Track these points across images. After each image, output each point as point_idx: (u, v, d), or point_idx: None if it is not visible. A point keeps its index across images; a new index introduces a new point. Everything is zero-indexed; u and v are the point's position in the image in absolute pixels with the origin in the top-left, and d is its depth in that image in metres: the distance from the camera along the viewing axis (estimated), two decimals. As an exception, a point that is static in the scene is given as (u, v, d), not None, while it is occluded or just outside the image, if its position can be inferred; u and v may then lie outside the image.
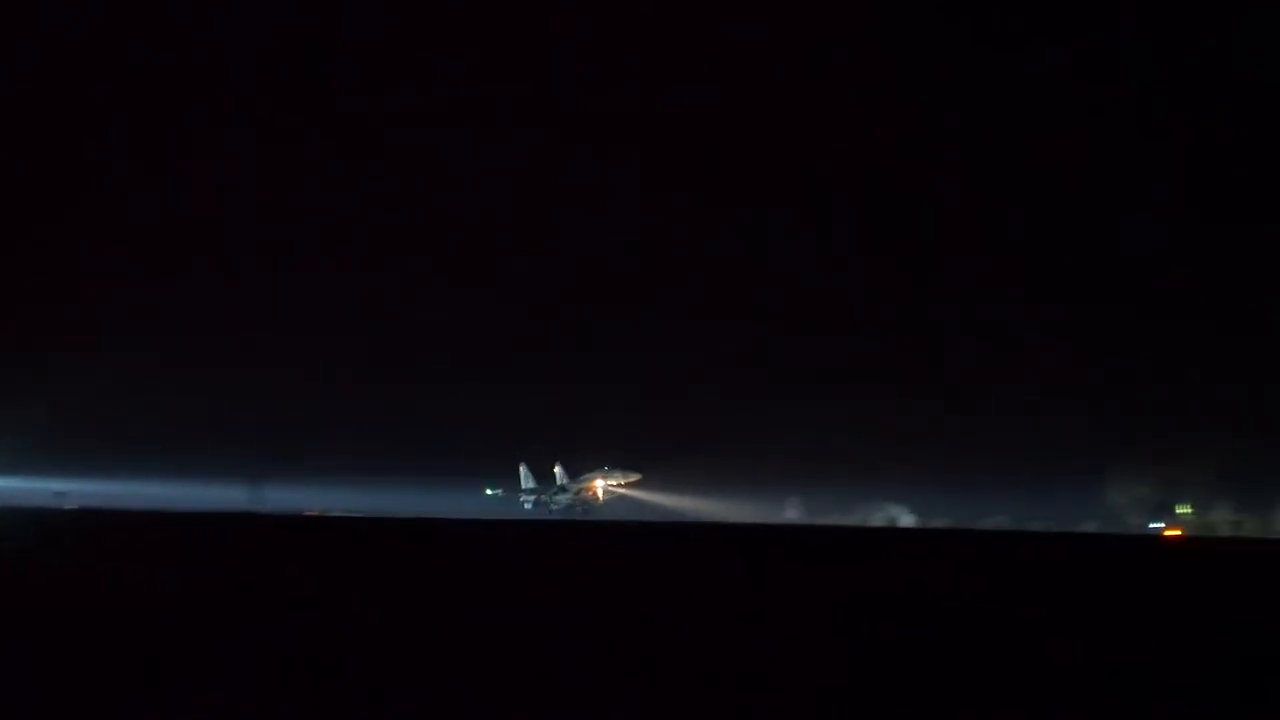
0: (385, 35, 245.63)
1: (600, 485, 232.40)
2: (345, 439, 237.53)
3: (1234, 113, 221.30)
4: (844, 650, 22.68)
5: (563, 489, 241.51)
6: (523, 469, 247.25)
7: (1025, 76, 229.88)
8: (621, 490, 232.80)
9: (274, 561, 52.08)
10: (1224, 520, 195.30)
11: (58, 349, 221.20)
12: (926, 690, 18.03)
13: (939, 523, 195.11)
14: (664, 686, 17.85)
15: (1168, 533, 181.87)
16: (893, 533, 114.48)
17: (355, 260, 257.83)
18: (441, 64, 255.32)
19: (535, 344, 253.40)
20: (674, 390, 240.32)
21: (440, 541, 77.01)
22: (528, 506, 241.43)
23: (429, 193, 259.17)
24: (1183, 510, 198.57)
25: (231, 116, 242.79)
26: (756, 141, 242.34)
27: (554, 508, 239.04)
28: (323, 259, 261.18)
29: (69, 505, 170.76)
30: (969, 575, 50.42)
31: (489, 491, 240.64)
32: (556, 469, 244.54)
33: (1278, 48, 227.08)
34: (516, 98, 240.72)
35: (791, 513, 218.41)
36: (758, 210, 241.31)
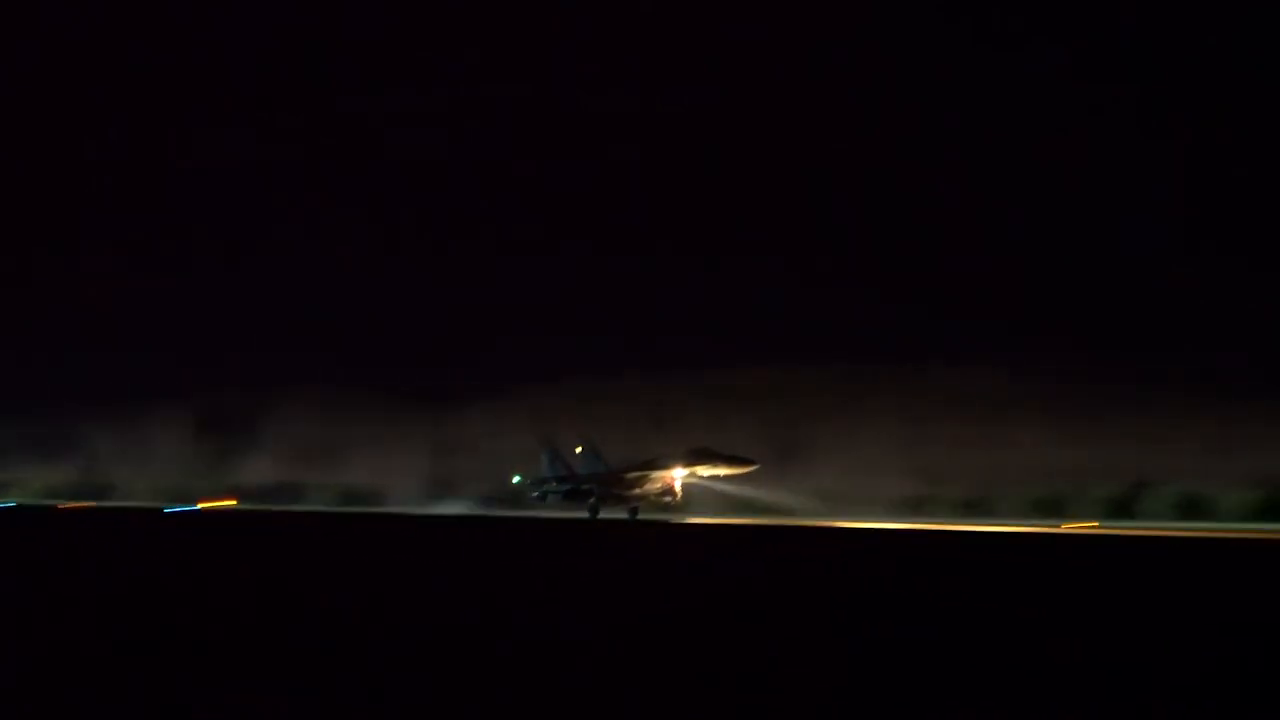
0: (385, 35, 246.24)
1: (678, 477, 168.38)
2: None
3: (1234, 113, 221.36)
4: (844, 650, 22.68)
5: (611, 477, 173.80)
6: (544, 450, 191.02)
7: (1025, 76, 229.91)
8: (718, 483, 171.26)
9: (277, 557, 52.08)
10: None
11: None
12: (926, 690, 18.02)
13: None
14: (664, 686, 17.83)
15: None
16: (892, 533, 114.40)
17: (355, 259, 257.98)
18: (441, 64, 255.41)
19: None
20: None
21: (439, 538, 77.01)
22: (537, 496, 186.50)
23: (429, 192, 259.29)
24: None
25: (231, 116, 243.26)
26: (756, 141, 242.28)
27: (595, 505, 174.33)
28: (323, 258, 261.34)
29: None
30: (968, 576, 50.41)
31: (516, 480, 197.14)
32: (580, 447, 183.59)
33: (1278, 48, 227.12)
34: (516, 98, 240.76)
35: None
36: (757, 212, 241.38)
